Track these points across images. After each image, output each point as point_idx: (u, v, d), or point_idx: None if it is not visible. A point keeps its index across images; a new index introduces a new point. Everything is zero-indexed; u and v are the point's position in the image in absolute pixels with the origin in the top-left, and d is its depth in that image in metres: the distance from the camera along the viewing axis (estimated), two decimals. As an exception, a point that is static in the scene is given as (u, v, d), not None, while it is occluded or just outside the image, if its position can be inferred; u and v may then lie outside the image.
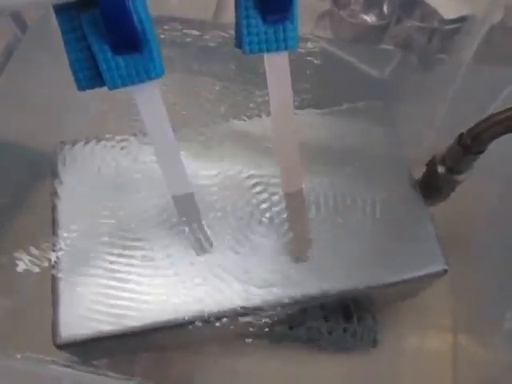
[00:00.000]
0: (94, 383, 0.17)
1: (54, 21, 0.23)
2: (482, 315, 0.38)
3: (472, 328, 0.39)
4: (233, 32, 0.25)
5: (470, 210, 0.43)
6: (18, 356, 0.19)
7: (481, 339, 0.38)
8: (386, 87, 0.45)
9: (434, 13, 0.49)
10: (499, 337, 0.35)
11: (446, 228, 0.41)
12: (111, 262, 0.31)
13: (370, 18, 0.52)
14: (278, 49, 0.24)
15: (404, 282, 0.32)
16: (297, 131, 0.27)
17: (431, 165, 0.34)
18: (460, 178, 0.33)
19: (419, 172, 0.35)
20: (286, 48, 0.24)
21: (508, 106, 0.28)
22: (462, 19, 0.48)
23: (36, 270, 0.34)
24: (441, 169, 0.33)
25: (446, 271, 0.32)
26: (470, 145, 0.30)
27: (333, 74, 0.45)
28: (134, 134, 0.36)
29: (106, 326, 0.29)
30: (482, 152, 0.31)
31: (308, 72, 0.41)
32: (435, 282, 0.35)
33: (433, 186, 0.34)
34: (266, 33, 0.24)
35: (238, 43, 0.25)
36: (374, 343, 0.37)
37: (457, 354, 0.38)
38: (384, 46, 0.47)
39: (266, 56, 0.25)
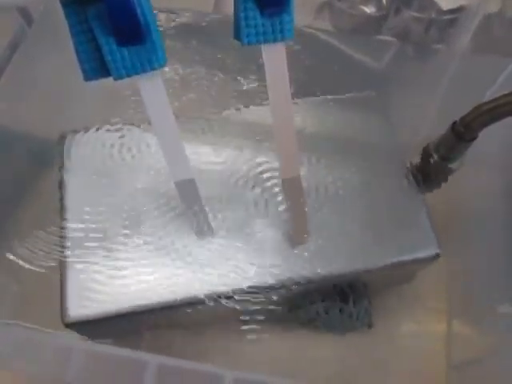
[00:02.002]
0: (102, 352, 0.18)
1: (58, 14, 0.24)
2: (476, 299, 0.39)
3: (466, 312, 0.40)
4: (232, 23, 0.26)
5: (468, 198, 0.44)
6: (30, 328, 0.20)
7: (474, 323, 0.39)
8: (383, 77, 0.46)
9: (431, 3, 0.49)
10: (492, 320, 0.36)
11: (444, 215, 0.42)
12: (116, 245, 0.32)
13: (369, 9, 0.53)
14: (275, 40, 0.25)
15: (397, 265, 0.33)
16: (294, 119, 0.28)
17: (425, 153, 0.35)
18: (453, 165, 0.34)
19: (415, 160, 0.36)
20: (282, 39, 0.25)
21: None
22: (459, 10, 0.48)
23: (42, 255, 0.35)
24: (435, 156, 0.34)
25: (438, 255, 0.33)
26: (463, 132, 0.31)
27: (330, 64, 0.45)
28: (138, 122, 0.37)
29: (112, 306, 0.30)
30: (474, 139, 0.32)
31: (306, 62, 0.42)
32: (430, 267, 0.36)
33: (427, 173, 0.35)
34: (263, 25, 0.25)
35: (237, 34, 0.26)
36: (370, 324, 0.38)
37: (451, 336, 0.39)
38: (381, 37, 0.48)
39: (263, 47, 0.26)
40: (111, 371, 0.19)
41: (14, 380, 0.34)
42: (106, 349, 0.19)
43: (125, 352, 0.18)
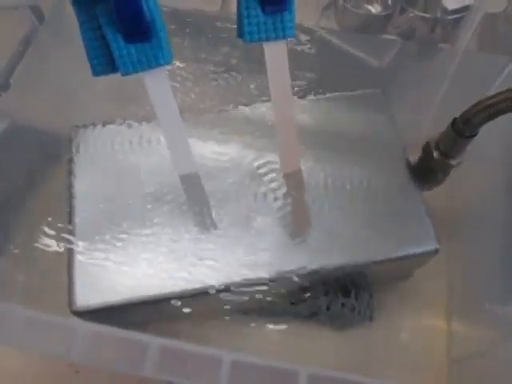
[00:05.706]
0: (107, 333, 0.19)
1: (69, 12, 0.25)
2: (476, 295, 0.39)
3: (466, 307, 0.40)
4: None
5: (469, 196, 0.44)
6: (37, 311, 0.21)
7: (474, 318, 0.39)
8: (386, 75, 0.46)
9: (436, 3, 0.50)
10: (492, 316, 0.36)
11: (445, 213, 0.42)
12: (123, 236, 0.33)
13: (374, 8, 0.53)
14: (276, 37, 0.26)
15: (397, 259, 0.33)
16: (297, 116, 0.29)
17: (426, 150, 0.35)
18: (454, 162, 0.34)
19: (416, 157, 0.36)
20: (283, 37, 0.26)
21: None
22: (464, 9, 0.48)
23: (51, 246, 0.36)
24: (435, 153, 0.34)
25: (437, 250, 0.34)
26: (463, 129, 0.32)
27: (334, 62, 0.46)
28: (145, 117, 0.38)
29: (119, 295, 0.31)
30: (474, 135, 0.32)
31: (309, 61, 0.42)
32: (430, 263, 0.36)
33: (428, 170, 0.36)
34: (265, 23, 0.25)
35: (240, 33, 0.26)
36: (371, 318, 0.39)
37: (451, 331, 0.40)
38: (386, 36, 0.48)
39: (265, 44, 0.27)
40: (114, 352, 0.19)
41: (25, 360, 0.35)
42: (110, 330, 0.19)
43: (127, 334, 0.19)
